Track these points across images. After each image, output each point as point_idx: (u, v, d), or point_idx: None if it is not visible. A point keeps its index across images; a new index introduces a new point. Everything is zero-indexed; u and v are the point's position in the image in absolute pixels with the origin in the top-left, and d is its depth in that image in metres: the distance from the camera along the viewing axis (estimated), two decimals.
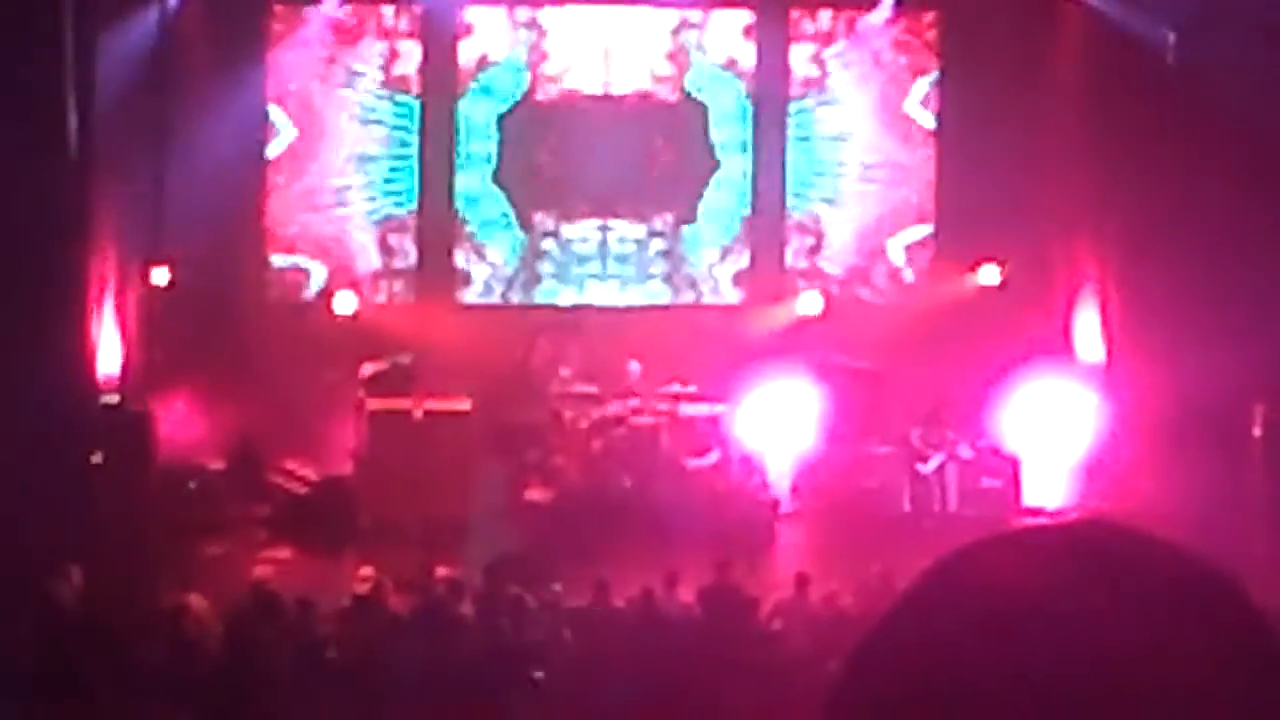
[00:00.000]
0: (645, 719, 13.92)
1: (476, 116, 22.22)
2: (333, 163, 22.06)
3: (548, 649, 15.08)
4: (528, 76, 22.27)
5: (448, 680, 14.42)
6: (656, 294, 22.56)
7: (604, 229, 22.54)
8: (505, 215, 22.41)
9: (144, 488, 18.20)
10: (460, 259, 22.39)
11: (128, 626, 15.51)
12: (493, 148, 22.27)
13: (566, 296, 22.48)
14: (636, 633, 15.33)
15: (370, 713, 13.97)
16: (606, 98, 22.32)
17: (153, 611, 15.92)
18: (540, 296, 22.46)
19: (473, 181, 22.26)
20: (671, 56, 22.39)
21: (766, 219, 22.69)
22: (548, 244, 22.50)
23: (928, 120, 22.52)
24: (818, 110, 22.60)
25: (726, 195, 22.63)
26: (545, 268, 22.49)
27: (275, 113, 21.94)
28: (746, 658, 14.99)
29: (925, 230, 22.74)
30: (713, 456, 20.14)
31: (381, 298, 22.20)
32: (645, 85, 22.43)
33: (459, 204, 22.30)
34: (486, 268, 22.46)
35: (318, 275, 22.16)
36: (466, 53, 22.18)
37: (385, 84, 22.12)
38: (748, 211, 22.66)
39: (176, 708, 13.61)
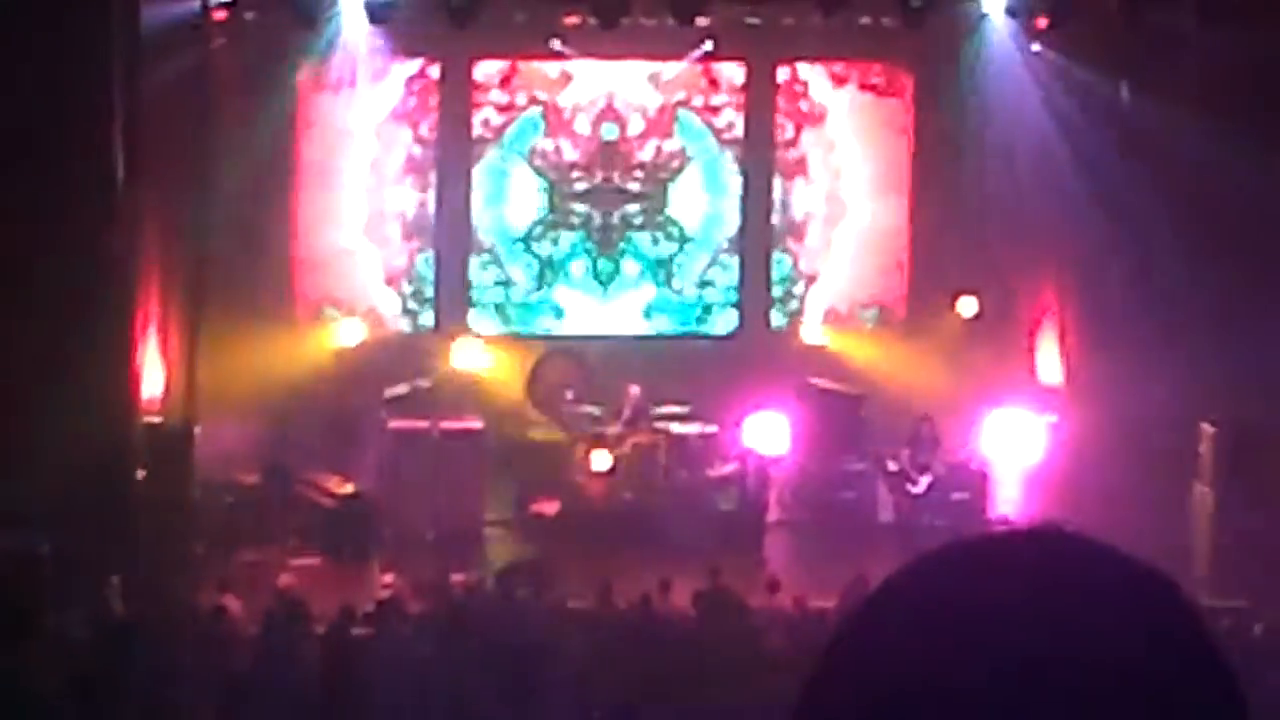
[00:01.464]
0: (642, 712, 13.87)
1: (492, 162, 22.12)
2: (357, 205, 21.94)
3: (554, 648, 15.06)
4: (541, 125, 22.16)
5: (463, 678, 14.39)
6: (656, 324, 22.38)
7: (611, 262, 22.41)
8: (516, 252, 22.27)
9: (184, 500, 18.16)
10: (475, 293, 22.26)
11: (169, 627, 15.49)
12: (507, 192, 22.15)
13: (571, 326, 22.24)
14: (636, 633, 15.32)
15: (390, 709, 13.90)
16: (613, 147, 22.25)
17: (191, 613, 15.91)
18: (547, 327, 22.24)
19: (486, 221, 22.12)
20: (665, 111, 22.31)
21: (757, 255, 22.51)
22: (555, 277, 22.38)
23: (902, 168, 22.35)
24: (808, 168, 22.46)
25: (721, 232, 22.44)
26: (553, 299, 22.34)
27: (305, 148, 21.82)
28: (735, 655, 14.97)
29: (901, 268, 22.52)
30: (729, 468, 20.17)
31: (404, 328, 22.07)
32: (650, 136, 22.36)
33: (475, 241, 22.18)
34: (498, 298, 22.33)
35: (344, 308, 22.04)
36: (480, 103, 22.07)
37: (413, 134, 21.96)
38: (737, 250, 22.48)
39: (212, 704, 13.56)
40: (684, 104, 22.30)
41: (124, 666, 14.03)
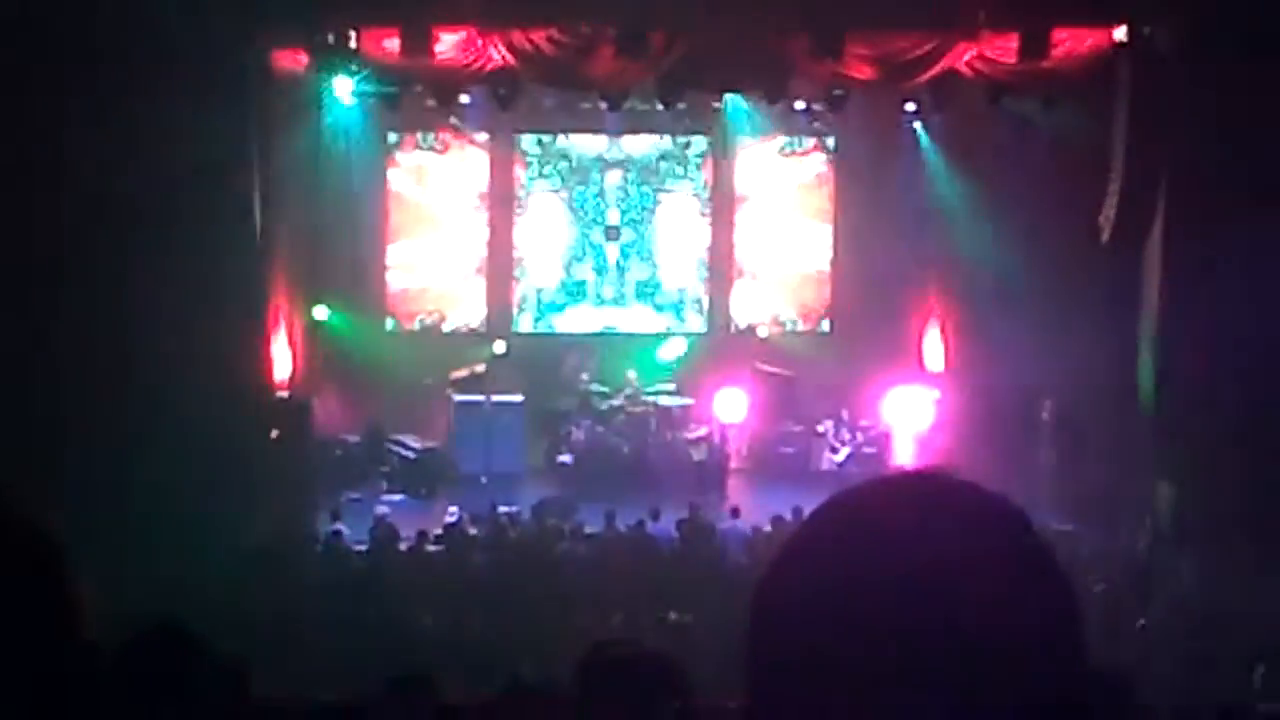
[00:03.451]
0: (636, 609, 13.81)
1: (534, 208, 22.07)
2: (430, 235, 21.90)
3: (573, 560, 15.04)
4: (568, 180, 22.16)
5: (506, 582, 14.37)
6: (649, 323, 22.30)
7: (616, 282, 22.38)
8: (551, 274, 22.30)
9: (305, 454, 18.13)
10: (518, 303, 22.23)
11: (298, 546, 15.50)
12: (546, 230, 22.16)
13: (586, 326, 22.16)
14: (634, 549, 15.29)
15: (454, 603, 13.88)
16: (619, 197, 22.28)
17: (314, 536, 15.92)
18: (568, 328, 22.15)
19: (528, 249, 22.11)
20: (650, 169, 22.31)
21: (721, 276, 22.45)
22: (577, 292, 22.35)
23: (827, 212, 22.30)
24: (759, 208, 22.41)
25: (695, 258, 22.38)
26: (574, 308, 22.29)
27: (393, 199, 21.78)
28: (707, 564, 14.94)
29: (829, 283, 22.47)
30: (701, 430, 20.15)
31: (464, 326, 22.01)
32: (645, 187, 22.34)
33: (518, 265, 22.15)
34: (535, 307, 22.31)
35: (420, 310, 22.00)
36: (522, 163, 22.07)
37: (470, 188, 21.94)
38: (706, 270, 22.42)
39: (331, 606, 13.53)
40: (665, 160, 22.29)
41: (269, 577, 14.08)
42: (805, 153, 22.19)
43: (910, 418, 19.77)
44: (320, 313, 20.05)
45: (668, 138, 22.02)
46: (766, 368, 21.09)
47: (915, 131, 20.69)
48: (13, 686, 1.47)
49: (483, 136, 21.64)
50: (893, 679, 1.28)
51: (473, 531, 15.84)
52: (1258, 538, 14.18)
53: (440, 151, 21.76)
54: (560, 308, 22.25)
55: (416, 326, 21.93)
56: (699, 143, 22.13)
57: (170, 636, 3.37)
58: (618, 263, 22.28)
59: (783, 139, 22.00)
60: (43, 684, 1.50)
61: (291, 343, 18.55)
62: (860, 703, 1.28)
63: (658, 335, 22.11)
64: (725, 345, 21.85)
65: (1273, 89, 14.61)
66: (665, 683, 4.37)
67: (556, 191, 22.13)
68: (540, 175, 22.11)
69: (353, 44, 17.16)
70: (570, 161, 22.10)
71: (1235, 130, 14.97)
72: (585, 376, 20.86)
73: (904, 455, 19.47)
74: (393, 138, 21.52)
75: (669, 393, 20.63)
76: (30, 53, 13.54)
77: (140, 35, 14.33)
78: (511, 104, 18.33)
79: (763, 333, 22.17)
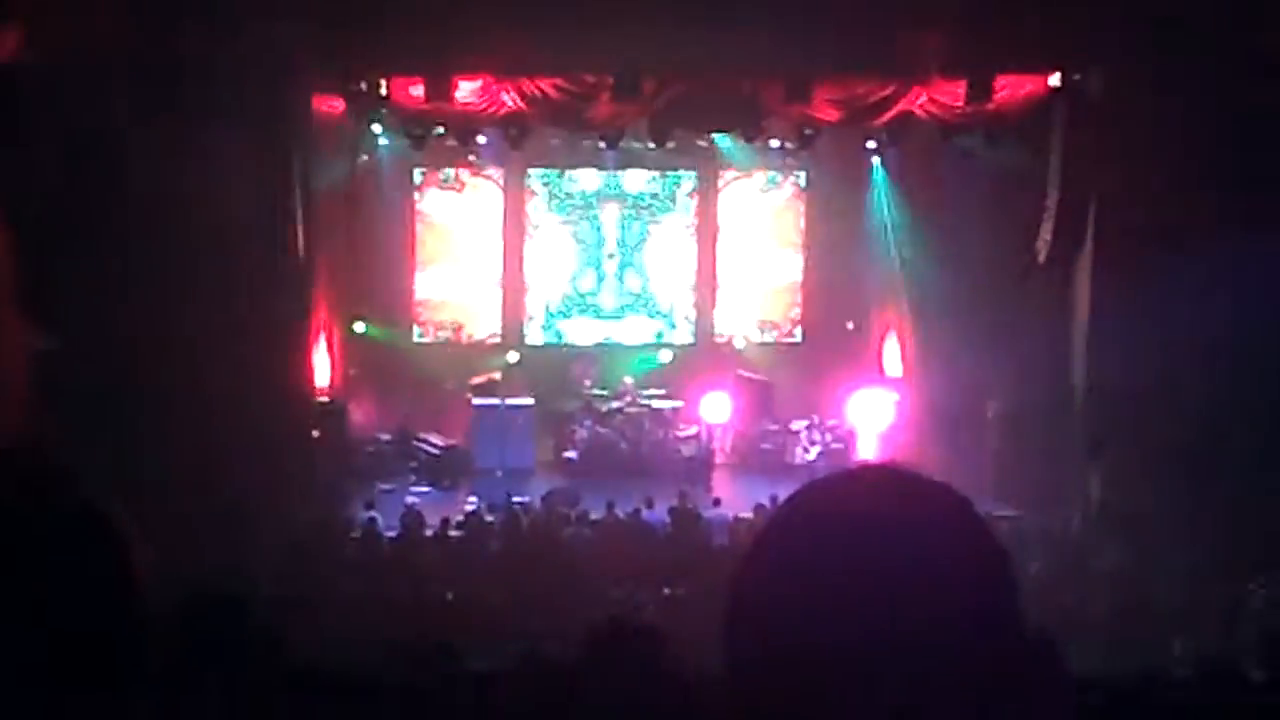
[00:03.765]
0: (635, 583, 13.82)
1: (543, 235, 22.05)
2: (452, 258, 21.92)
3: (578, 542, 15.04)
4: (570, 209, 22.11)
5: (518, 564, 14.36)
6: (643, 336, 22.30)
7: (614, 298, 22.37)
8: (558, 292, 22.24)
9: (343, 450, 18.14)
10: (528, 317, 22.23)
11: (336, 532, 15.49)
12: (554, 255, 22.10)
13: (589, 338, 22.14)
14: (631, 533, 15.28)
15: (473, 581, 13.88)
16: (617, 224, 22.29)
17: (350, 522, 15.90)
18: (573, 339, 22.15)
19: (539, 271, 22.11)
20: (641, 205, 22.33)
21: (706, 293, 22.43)
22: (581, 307, 22.34)
23: (799, 237, 22.32)
24: (738, 231, 22.42)
25: (683, 277, 22.36)
26: (578, 322, 22.28)
27: (419, 226, 21.79)
28: (694, 547, 14.93)
29: (799, 298, 22.47)
30: (690, 429, 20.14)
31: (482, 337, 22.02)
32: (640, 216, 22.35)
33: (529, 285, 22.15)
34: (544, 321, 22.31)
35: (443, 323, 22.02)
36: (530, 196, 22.05)
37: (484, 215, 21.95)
38: (693, 289, 22.38)
39: (365, 583, 13.53)
40: (657, 196, 22.30)
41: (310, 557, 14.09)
42: (780, 187, 22.21)
43: (872, 418, 19.75)
44: (357, 326, 20.07)
45: (659, 174, 22.01)
46: (746, 374, 21.11)
47: (874, 165, 20.74)
48: (78, 641, 1.48)
49: (497, 172, 21.64)
50: (855, 646, 1.28)
51: (490, 519, 15.83)
52: (1176, 523, 14.20)
53: (459, 187, 21.79)
54: (566, 317, 22.20)
55: (440, 338, 21.91)
56: (688, 177, 22.12)
57: (215, 604, 3.37)
58: (615, 281, 22.26)
59: (762, 176, 22.01)
60: (105, 640, 1.51)
61: (331, 353, 18.55)
62: (827, 667, 1.29)
63: (651, 345, 22.11)
64: (710, 354, 21.83)
65: (1186, 127, 14.67)
66: (658, 652, 4.38)
67: (562, 220, 22.12)
68: (548, 206, 22.09)
69: (383, 91, 17.24)
70: (574, 194, 22.10)
71: (1155, 164, 15.01)
72: (588, 383, 20.85)
73: (867, 451, 19.44)
74: (419, 173, 21.54)
75: (661, 396, 20.61)
76: (109, 101, 13.56)
77: (199, 85, 14.35)
78: (522, 143, 18.34)
79: (739, 344, 22.15)
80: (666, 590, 13.55)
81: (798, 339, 22.36)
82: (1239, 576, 13.00)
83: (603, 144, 19.03)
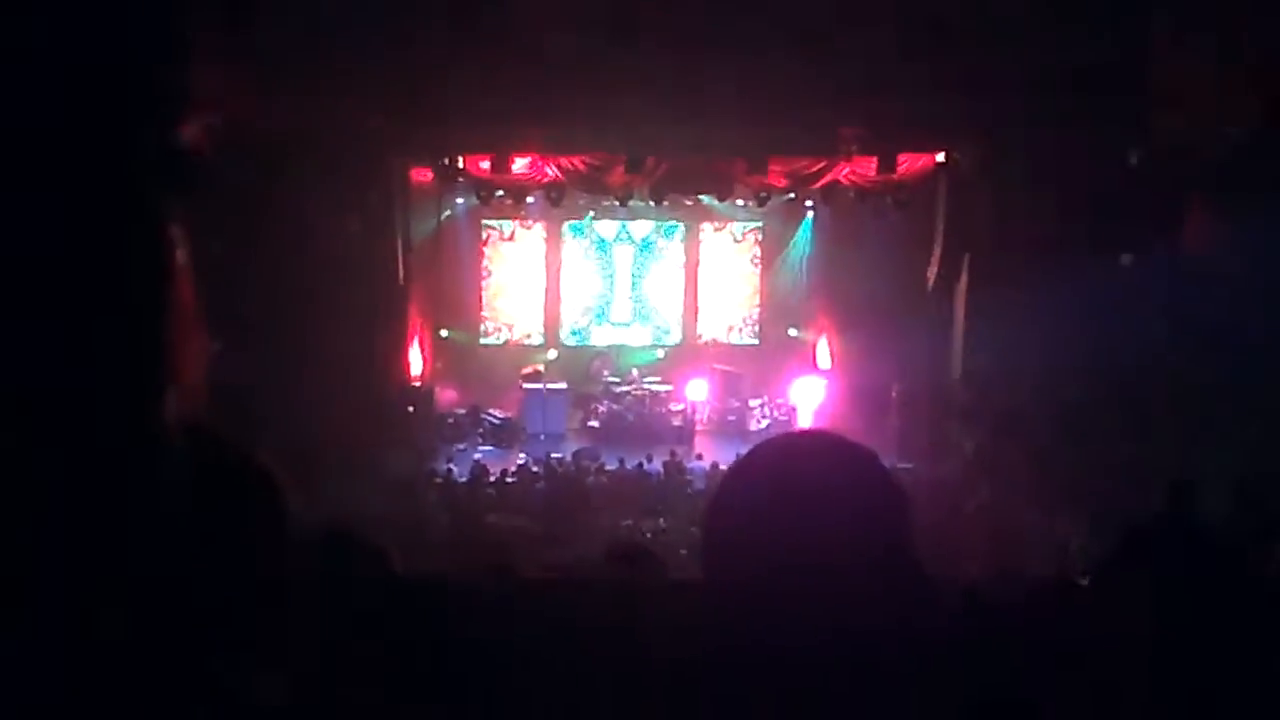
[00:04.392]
0: (638, 514, 13.80)
1: (575, 265, 21.92)
2: (508, 283, 21.82)
3: (599, 487, 15.01)
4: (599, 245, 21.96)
5: (557, 502, 14.34)
6: (644, 339, 22.17)
7: (625, 312, 22.26)
8: (585, 307, 22.07)
9: (430, 421, 18.08)
10: (563, 325, 22.06)
11: (424, 481, 15.44)
12: (580, 280, 21.94)
13: (606, 341, 21.98)
14: (637, 480, 15.27)
15: (524, 516, 13.83)
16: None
17: (434, 473, 15.86)
18: (595, 341, 22.00)
19: (571, 291, 21.91)
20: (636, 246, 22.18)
21: (690, 307, 22.31)
22: (601, 318, 22.22)
23: (756, 268, 22.20)
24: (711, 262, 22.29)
25: (676, 296, 22.23)
26: (598, 328, 22.15)
27: (485, 262, 21.69)
28: (681, 491, 14.93)
29: (757, 311, 22.36)
30: (679, 406, 20.08)
31: (528, 340, 21.91)
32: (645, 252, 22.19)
33: (561, 298, 21.93)
34: (575, 327, 22.13)
35: (502, 330, 21.92)
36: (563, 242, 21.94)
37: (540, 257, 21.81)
38: (682, 304, 22.28)
39: (445, 517, 13.45)
40: (655, 240, 22.21)
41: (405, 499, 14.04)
42: (744, 236, 22.15)
43: (808, 398, 19.65)
44: (441, 332, 20.04)
45: (657, 224, 21.87)
46: (719, 366, 21.03)
47: (807, 218, 20.69)
48: (244, 575, 1.47)
49: (540, 223, 21.52)
50: (795, 556, 1.28)
51: (535, 469, 15.81)
52: (1026, 471, 14.18)
53: (513, 234, 21.74)
54: (590, 327, 22.01)
55: (500, 340, 21.82)
56: (678, 227, 22.01)
57: (342, 536, 3.38)
58: (626, 301, 22.07)
59: (731, 225, 21.91)
60: (273, 556, 1.51)
61: (423, 352, 18.50)
62: (775, 572, 1.28)
63: (650, 346, 22.03)
64: (693, 352, 21.68)
65: (1033, 191, 14.65)
66: (654, 564, 4.39)
67: (587, 258, 21.96)
68: (577, 248, 21.93)
69: (461, 165, 17.23)
70: (596, 239, 21.97)
71: (1010, 216, 15.01)
72: (605, 373, 20.72)
73: (804, 421, 19.36)
74: (485, 223, 21.49)
75: (657, 382, 20.47)
76: (268, 167, 13.48)
77: (332, 159, 14.33)
78: (559, 202, 18.35)
79: (716, 344, 22.06)
80: (661, 521, 13.52)
81: (756, 341, 22.22)
82: (1069, 511, 12.97)
83: (617, 203, 18.99)
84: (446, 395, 19.55)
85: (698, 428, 19.88)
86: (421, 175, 17.42)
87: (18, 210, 0.61)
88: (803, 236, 21.15)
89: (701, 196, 19.88)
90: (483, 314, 21.68)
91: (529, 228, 21.62)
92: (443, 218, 19.91)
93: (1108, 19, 13.28)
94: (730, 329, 22.29)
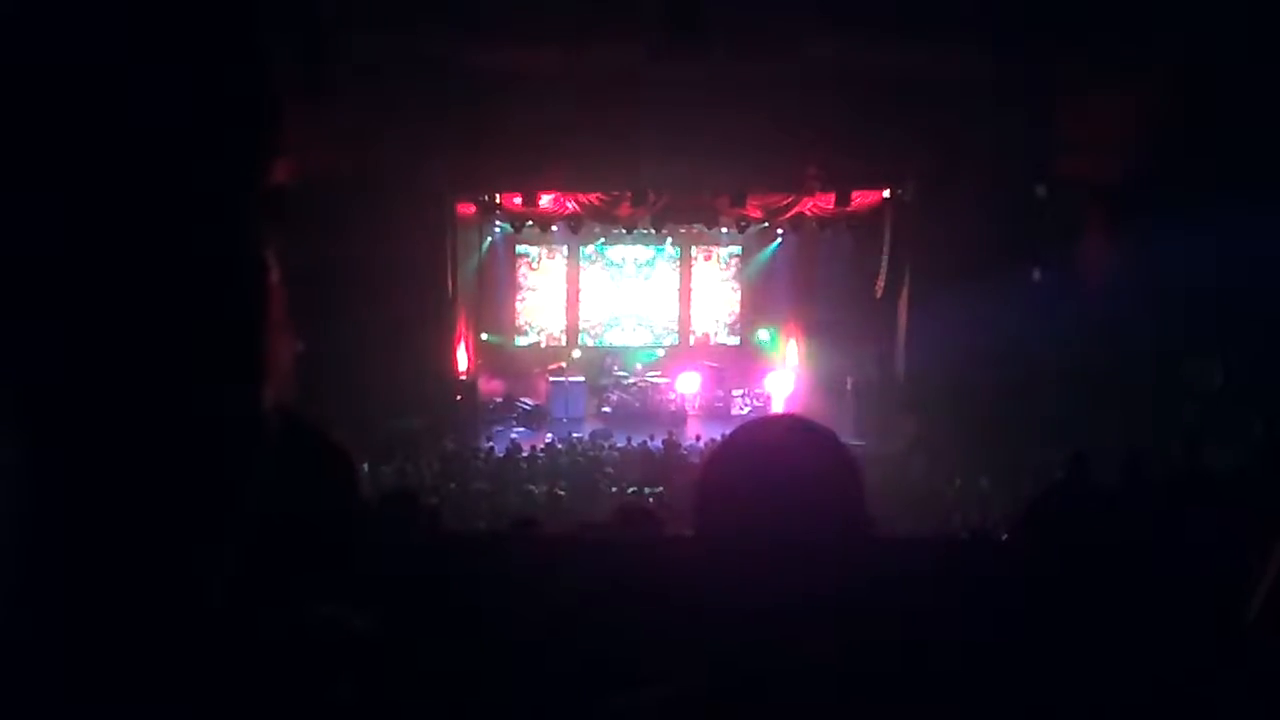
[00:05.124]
0: (642, 484, 13.75)
1: (593, 282, 21.83)
2: (537, 296, 21.74)
3: (611, 460, 14.96)
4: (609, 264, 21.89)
5: (578, 470, 14.27)
6: (647, 341, 22.10)
7: (631, 320, 22.18)
8: (601, 315, 21.97)
9: (474, 407, 18.03)
10: (582, 330, 21.98)
11: (471, 453, 15.38)
12: (596, 294, 21.84)
13: (617, 342, 21.93)
14: (643, 457, 15.22)
15: (550, 483, 13.75)
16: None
17: (477, 448, 15.80)
18: (608, 343, 21.93)
19: (590, 302, 21.81)
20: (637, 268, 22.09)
21: (684, 315, 22.25)
22: (613, 324, 22.12)
23: (737, 283, 22.09)
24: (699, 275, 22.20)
25: (672, 306, 22.15)
26: (610, 332, 22.07)
27: (518, 278, 21.63)
28: (678, 466, 14.88)
29: (736, 314, 22.27)
30: (675, 395, 20.00)
31: (554, 342, 21.85)
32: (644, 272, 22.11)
33: (580, 308, 21.84)
34: (592, 331, 22.08)
35: (533, 332, 21.85)
36: (582, 266, 21.84)
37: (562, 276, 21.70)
38: (678, 312, 22.21)
39: (485, 485, 13.36)
40: (656, 261, 22.12)
41: (454, 471, 13.96)
42: (730, 261, 22.06)
43: (779, 388, 19.60)
44: (484, 336, 20.01)
45: (658, 248, 21.79)
46: (708, 363, 21.00)
47: (775, 243, 20.59)
48: (324, 532, 1.48)
49: (563, 248, 21.48)
50: (769, 517, 1.26)
51: (560, 446, 15.76)
52: (961, 448, 14.14)
53: (540, 258, 21.71)
54: (604, 331, 21.95)
55: (531, 343, 21.78)
56: (675, 250, 21.94)
57: (405, 495, 3.39)
58: (633, 310, 22.03)
59: (717, 249, 21.83)
60: (343, 517, 1.52)
61: (468, 351, 18.45)
62: (754, 531, 1.27)
63: (652, 346, 22.00)
64: (686, 351, 21.65)
65: (966, 220, 14.59)
66: (656, 523, 4.39)
67: (602, 276, 21.87)
68: (594, 268, 21.86)
69: (498, 200, 17.25)
70: (609, 260, 21.89)
71: (946, 240, 14.97)
72: (616, 369, 20.69)
73: (777, 407, 19.31)
74: (519, 248, 21.45)
75: (658, 376, 20.45)
76: (342, 203, 13.41)
77: (393, 193, 14.34)
78: (578, 231, 18.33)
79: (703, 344, 21.99)
80: (660, 488, 13.49)
81: (737, 341, 22.18)
82: (991, 477, 12.95)
83: (625, 231, 18.97)
84: (488, 386, 19.54)
85: (690, 413, 19.86)
86: (466, 209, 17.43)
87: (161, 232, 0.63)
88: (766, 256, 21.13)
89: (694, 224, 19.93)
90: (517, 321, 21.65)
91: (553, 252, 21.62)
92: (485, 244, 19.87)
93: (1014, 92, 13.25)
94: (716, 332, 22.27)
